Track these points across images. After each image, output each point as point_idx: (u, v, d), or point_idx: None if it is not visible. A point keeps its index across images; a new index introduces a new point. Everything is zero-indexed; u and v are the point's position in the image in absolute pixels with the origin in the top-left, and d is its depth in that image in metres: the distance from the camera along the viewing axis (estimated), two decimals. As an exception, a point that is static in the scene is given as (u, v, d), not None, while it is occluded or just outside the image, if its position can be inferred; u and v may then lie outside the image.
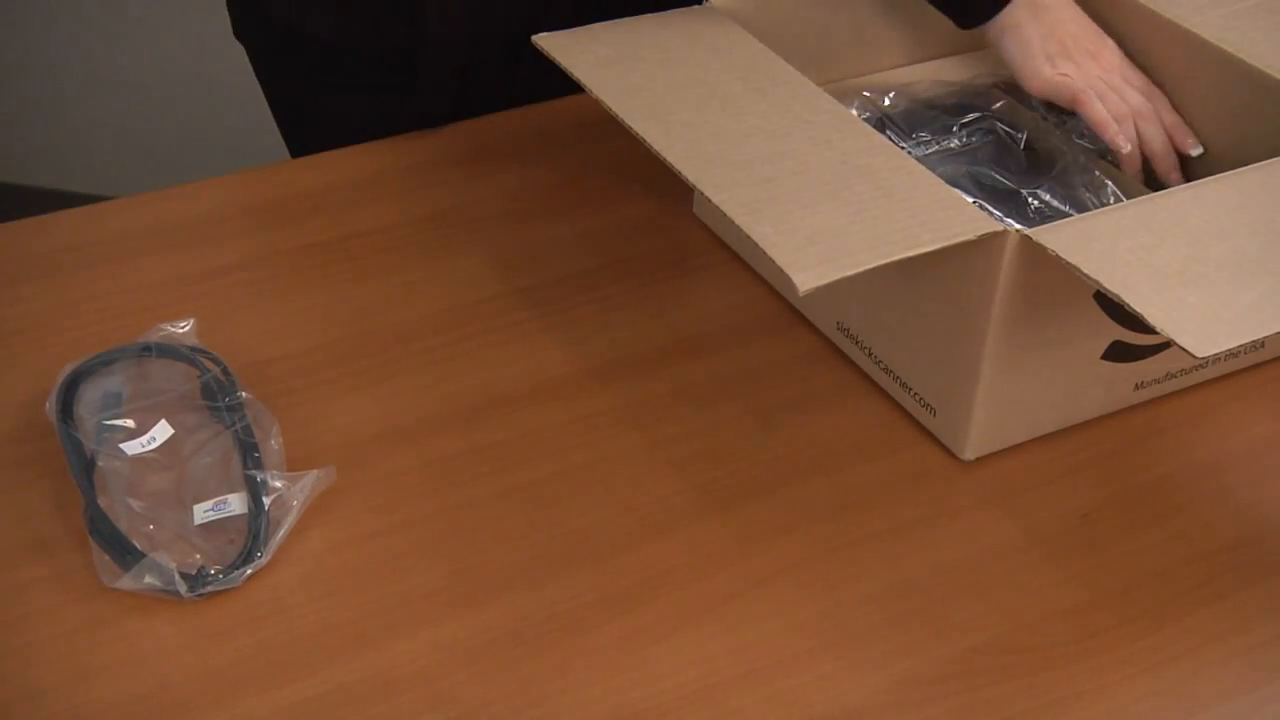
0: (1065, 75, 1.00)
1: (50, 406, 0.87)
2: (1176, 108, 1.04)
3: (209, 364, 0.89)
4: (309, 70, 1.20)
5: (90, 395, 0.87)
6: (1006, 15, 1.01)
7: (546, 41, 0.98)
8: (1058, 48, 1.00)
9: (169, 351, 0.90)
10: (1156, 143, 1.01)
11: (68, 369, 0.88)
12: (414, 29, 1.13)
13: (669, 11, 1.03)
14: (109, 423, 0.86)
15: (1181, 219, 0.83)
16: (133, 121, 2.47)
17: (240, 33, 1.25)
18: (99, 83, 2.44)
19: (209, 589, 0.80)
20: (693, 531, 0.85)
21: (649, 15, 1.02)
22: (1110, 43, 1.03)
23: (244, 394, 0.88)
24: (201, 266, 1.03)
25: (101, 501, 0.82)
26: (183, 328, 0.92)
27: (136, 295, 1.00)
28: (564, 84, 0.97)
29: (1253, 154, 0.91)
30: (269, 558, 0.81)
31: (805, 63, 1.01)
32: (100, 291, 1.00)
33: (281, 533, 0.82)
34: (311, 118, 1.24)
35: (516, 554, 0.83)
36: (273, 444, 0.86)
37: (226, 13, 1.25)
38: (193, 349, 0.90)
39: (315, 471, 0.84)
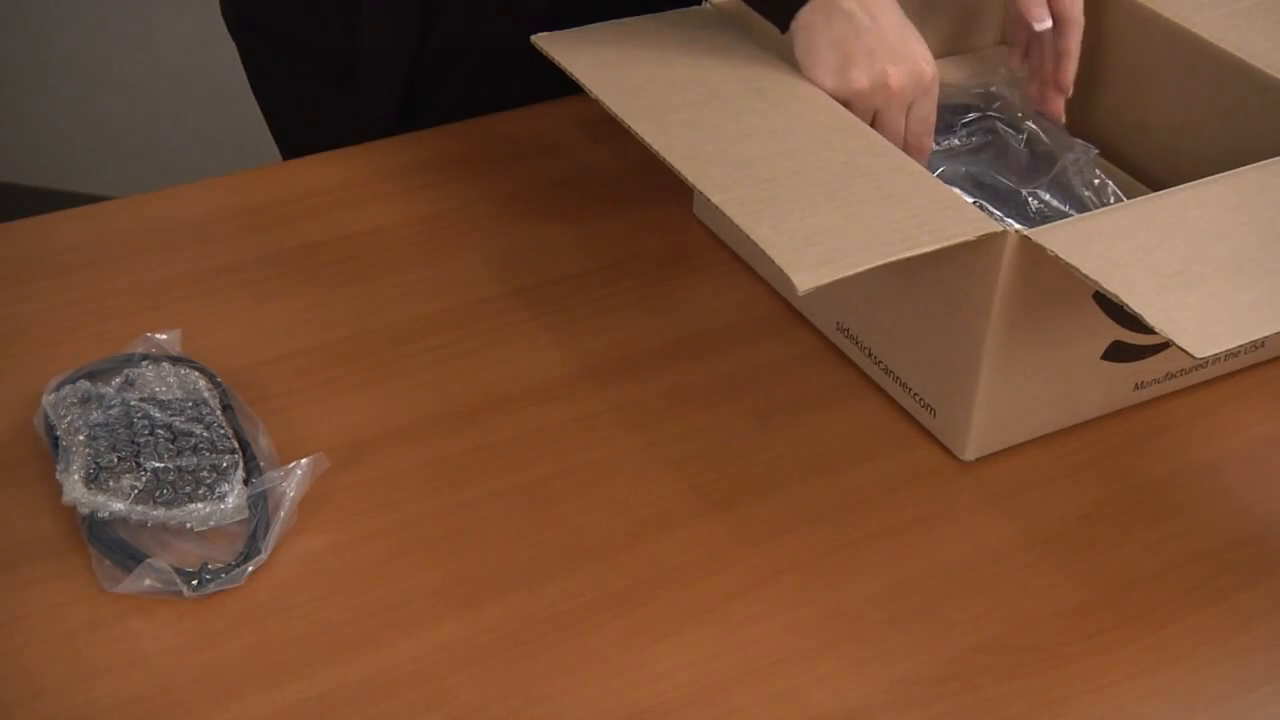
0: (851, 88, 0.94)
1: (38, 422, 0.87)
2: (1176, 108, 1.04)
3: (195, 370, 0.89)
4: (287, 65, 1.21)
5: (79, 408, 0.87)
6: (803, 15, 0.95)
7: (546, 41, 0.98)
8: (844, 58, 0.94)
9: (155, 360, 0.90)
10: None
11: (53, 384, 0.88)
12: (346, 31, 1.15)
13: (669, 12, 1.03)
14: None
15: (1181, 219, 0.83)
16: (132, 121, 2.47)
17: (232, 30, 1.25)
18: (99, 83, 2.44)
19: (211, 588, 0.80)
20: (692, 531, 0.85)
21: (649, 15, 1.02)
22: (915, 54, 0.95)
23: (232, 395, 0.89)
24: (200, 267, 1.03)
25: (98, 510, 0.82)
26: (165, 336, 0.92)
27: (135, 296, 1.00)
28: (565, 84, 0.98)
29: (1253, 154, 0.91)
30: (269, 553, 0.81)
31: (805, 63, 1.01)
32: (99, 291, 1.00)
33: (278, 527, 0.82)
34: (295, 115, 1.25)
35: (516, 554, 0.83)
36: (262, 442, 0.87)
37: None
38: (177, 358, 0.90)
39: (305, 460, 0.84)
